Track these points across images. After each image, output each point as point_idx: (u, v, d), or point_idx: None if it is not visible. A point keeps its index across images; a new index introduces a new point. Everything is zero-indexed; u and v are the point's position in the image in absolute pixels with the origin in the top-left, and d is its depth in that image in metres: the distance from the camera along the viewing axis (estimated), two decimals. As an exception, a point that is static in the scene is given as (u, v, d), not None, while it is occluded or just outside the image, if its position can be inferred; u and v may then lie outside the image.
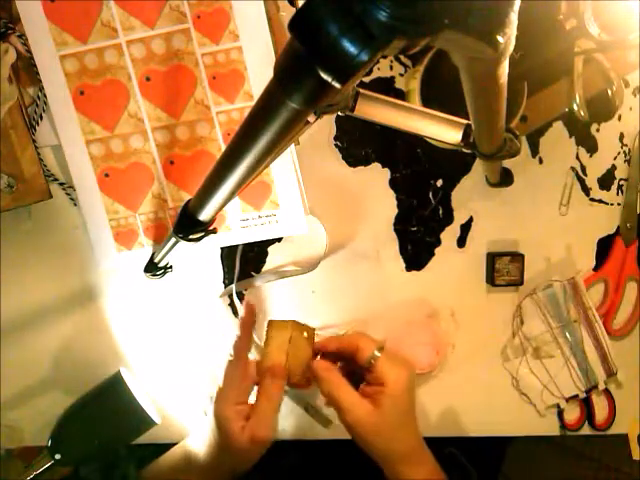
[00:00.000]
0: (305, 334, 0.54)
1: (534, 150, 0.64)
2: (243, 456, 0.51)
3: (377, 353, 0.50)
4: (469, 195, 0.64)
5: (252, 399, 0.52)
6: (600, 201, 0.66)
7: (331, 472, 0.76)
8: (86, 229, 0.61)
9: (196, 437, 0.57)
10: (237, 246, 0.63)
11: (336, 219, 0.63)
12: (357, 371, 0.52)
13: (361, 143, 0.62)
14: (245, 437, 0.49)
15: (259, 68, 0.57)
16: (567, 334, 0.66)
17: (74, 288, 0.64)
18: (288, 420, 0.65)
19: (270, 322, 0.54)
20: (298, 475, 0.77)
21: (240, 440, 0.49)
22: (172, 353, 0.65)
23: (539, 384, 0.66)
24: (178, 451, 0.59)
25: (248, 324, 0.55)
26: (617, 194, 0.66)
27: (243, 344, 0.54)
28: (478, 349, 0.66)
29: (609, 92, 0.61)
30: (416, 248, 0.65)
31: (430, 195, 0.64)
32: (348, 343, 0.52)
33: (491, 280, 0.64)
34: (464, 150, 0.49)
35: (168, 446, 0.62)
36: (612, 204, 0.66)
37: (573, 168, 0.65)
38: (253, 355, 0.65)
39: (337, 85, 0.23)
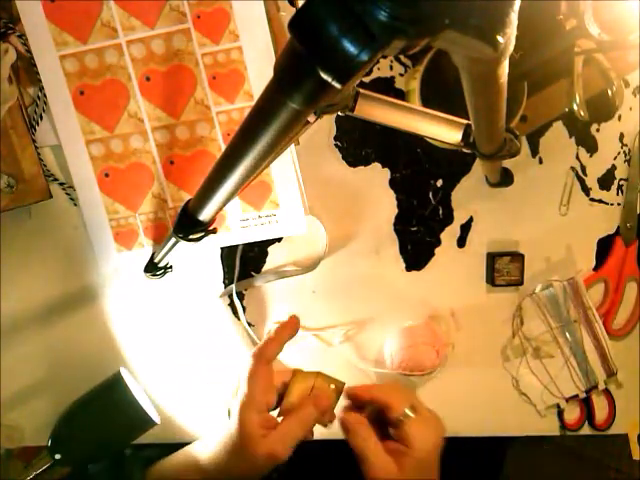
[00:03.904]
0: (332, 386, 0.53)
1: (534, 150, 0.64)
2: (253, 464, 0.50)
3: (409, 412, 0.49)
4: (469, 195, 0.64)
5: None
6: (600, 201, 0.66)
7: (330, 472, 0.76)
8: (86, 229, 0.61)
9: (207, 441, 0.56)
10: (237, 246, 0.63)
11: (336, 219, 0.63)
12: (384, 420, 0.51)
13: (361, 143, 0.62)
14: (262, 448, 0.49)
15: (259, 68, 0.57)
16: (567, 334, 0.66)
17: (74, 288, 0.64)
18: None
19: (295, 371, 0.54)
20: (297, 475, 0.77)
21: (256, 448, 0.49)
22: (172, 353, 0.65)
23: (539, 384, 0.66)
24: (186, 453, 0.58)
25: (285, 333, 0.54)
26: (617, 194, 0.66)
27: (272, 350, 0.53)
28: (478, 349, 0.66)
29: (609, 92, 0.61)
30: (416, 248, 0.65)
31: (430, 195, 0.64)
32: (380, 397, 0.51)
33: (491, 280, 0.64)
34: (464, 150, 0.49)
35: (169, 446, 0.62)
36: (612, 204, 0.66)
37: (573, 168, 0.65)
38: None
39: (337, 85, 0.23)
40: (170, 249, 0.53)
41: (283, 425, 0.51)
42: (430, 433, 0.49)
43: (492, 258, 0.64)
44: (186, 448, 0.58)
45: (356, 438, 0.49)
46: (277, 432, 0.50)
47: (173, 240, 0.50)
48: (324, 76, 0.22)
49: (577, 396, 0.66)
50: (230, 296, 0.64)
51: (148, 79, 0.58)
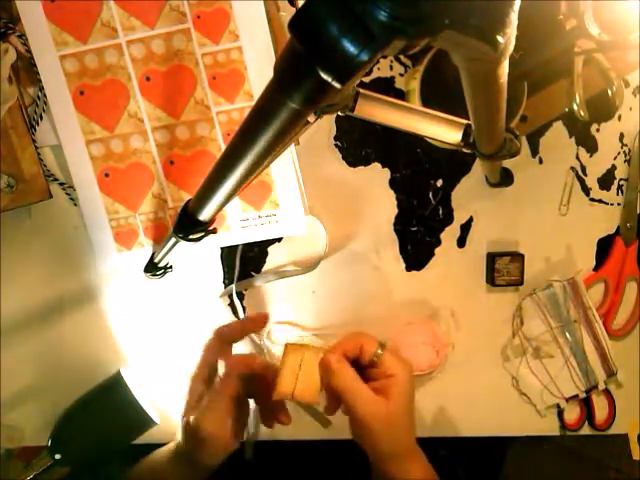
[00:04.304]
0: (321, 355, 0.53)
1: (534, 150, 0.64)
2: (198, 441, 0.50)
3: (380, 350, 0.52)
4: (469, 195, 0.64)
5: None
6: (600, 201, 0.66)
7: (329, 472, 0.76)
8: (86, 229, 0.61)
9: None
10: (237, 246, 0.63)
11: (336, 219, 0.63)
12: (359, 368, 0.53)
13: (361, 143, 0.62)
14: (200, 423, 0.49)
15: (259, 68, 0.57)
16: (567, 334, 0.66)
17: (74, 288, 0.64)
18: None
19: (286, 345, 0.54)
20: (297, 475, 0.77)
21: (197, 424, 0.50)
22: (172, 353, 0.65)
23: (539, 384, 0.66)
24: (167, 447, 0.59)
25: (251, 325, 0.55)
26: (617, 194, 0.66)
27: (233, 332, 0.53)
28: (478, 349, 0.66)
29: (609, 92, 0.61)
30: (416, 248, 0.65)
31: (430, 195, 0.64)
32: (352, 345, 0.53)
33: (491, 280, 0.64)
34: (464, 150, 0.49)
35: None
36: (612, 204, 0.66)
37: (573, 168, 0.65)
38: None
39: (337, 85, 0.23)
40: (170, 249, 0.53)
41: (205, 400, 0.51)
42: (404, 361, 0.53)
43: (492, 258, 0.64)
44: (168, 444, 0.59)
45: (340, 379, 0.50)
46: (203, 408, 0.50)
47: (173, 240, 0.50)
48: (324, 76, 0.22)
49: (577, 396, 0.66)
50: (230, 296, 0.64)
51: (148, 79, 0.58)
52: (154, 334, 0.64)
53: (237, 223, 0.61)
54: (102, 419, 0.58)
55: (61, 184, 0.61)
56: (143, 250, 0.61)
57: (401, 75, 0.61)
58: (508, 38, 0.25)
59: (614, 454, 0.74)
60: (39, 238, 0.63)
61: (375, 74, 0.61)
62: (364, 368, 0.52)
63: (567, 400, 0.66)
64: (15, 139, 0.58)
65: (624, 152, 0.65)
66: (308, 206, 0.60)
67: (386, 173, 0.63)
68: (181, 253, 0.61)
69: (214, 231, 0.49)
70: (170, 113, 0.58)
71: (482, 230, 0.65)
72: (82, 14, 0.56)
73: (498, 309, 0.66)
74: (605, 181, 0.65)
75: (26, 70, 0.59)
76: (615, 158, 0.65)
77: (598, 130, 0.64)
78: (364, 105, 0.49)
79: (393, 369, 0.51)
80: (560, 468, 0.78)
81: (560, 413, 0.67)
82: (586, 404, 0.68)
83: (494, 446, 0.79)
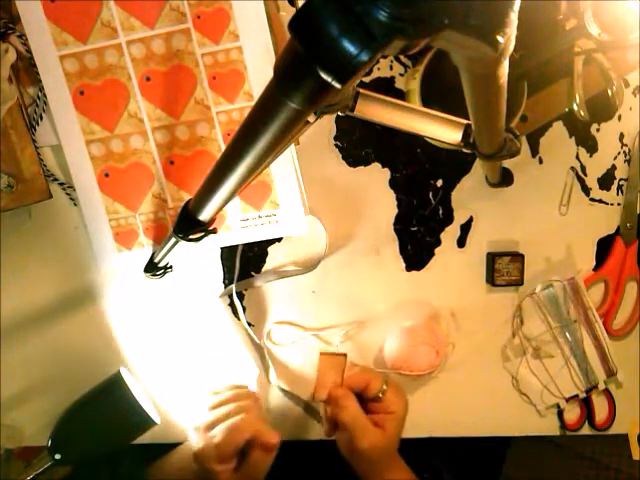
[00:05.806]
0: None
1: (534, 150, 0.64)
2: None
3: (384, 386, 0.58)
4: (469, 195, 0.64)
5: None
6: (600, 201, 0.66)
7: (329, 472, 0.76)
8: (86, 229, 0.61)
9: None
10: (237, 246, 0.63)
11: (336, 219, 0.63)
12: (363, 399, 0.59)
13: (361, 143, 0.62)
14: None
15: (259, 68, 0.57)
16: (567, 334, 0.66)
17: (74, 288, 0.64)
18: (287, 420, 0.65)
19: (320, 354, 0.61)
20: (297, 475, 0.77)
21: None
22: (172, 353, 0.65)
23: (539, 384, 0.66)
24: (186, 449, 0.59)
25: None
26: (617, 194, 0.66)
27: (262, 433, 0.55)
28: (478, 349, 0.66)
29: (609, 92, 0.61)
30: (416, 248, 0.65)
31: (430, 195, 0.64)
32: (360, 380, 0.59)
33: (491, 280, 0.64)
34: (464, 150, 0.49)
35: (169, 446, 0.62)
36: (612, 204, 0.66)
37: (573, 168, 0.65)
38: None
39: (337, 85, 0.23)
40: (170, 249, 0.53)
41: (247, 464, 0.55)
42: (403, 396, 0.60)
43: (492, 258, 0.64)
44: (184, 445, 0.59)
45: (346, 415, 0.56)
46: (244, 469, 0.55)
47: (173, 240, 0.50)
48: (324, 76, 0.23)
49: (577, 396, 0.66)
50: (230, 296, 0.64)
51: (148, 79, 0.58)
52: (154, 334, 0.64)
53: (237, 223, 0.61)
54: (102, 419, 0.58)
55: (61, 184, 0.61)
56: (143, 250, 0.61)
57: (401, 75, 0.61)
58: (508, 38, 0.25)
59: (614, 454, 0.74)
60: (39, 238, 0.63)
61: (375, 74, 0.61)
62: (366, 400, 0.58)
63: (567, 400, 0.66)
64: (15, 139, 0.58)
65: (624, 152, 0.65)
66: (308, 206, 0.60)
67: (386, 173, 0.63)
68: (181, 253, 0.61)
69: (214, 231, 0.49)
70: (170, 113, 0.58)
71: (482, 230, 0.65)
72: (82, 14, 0.56)
73: (498, 309, 0.66)
74: (605, 181, 0.65)
75: (26, 70, 0.59)
76: (615, 158, 0.65)
77: (598, 130, 0.64)
78: (364, 105, 0.49)
79: (394, 406, 0.58)
80: (560, 468, 0.78)
81: (560, 413, 0.67)
82: (586, 404, 0.68)
83: (494, 446, 0.79)
